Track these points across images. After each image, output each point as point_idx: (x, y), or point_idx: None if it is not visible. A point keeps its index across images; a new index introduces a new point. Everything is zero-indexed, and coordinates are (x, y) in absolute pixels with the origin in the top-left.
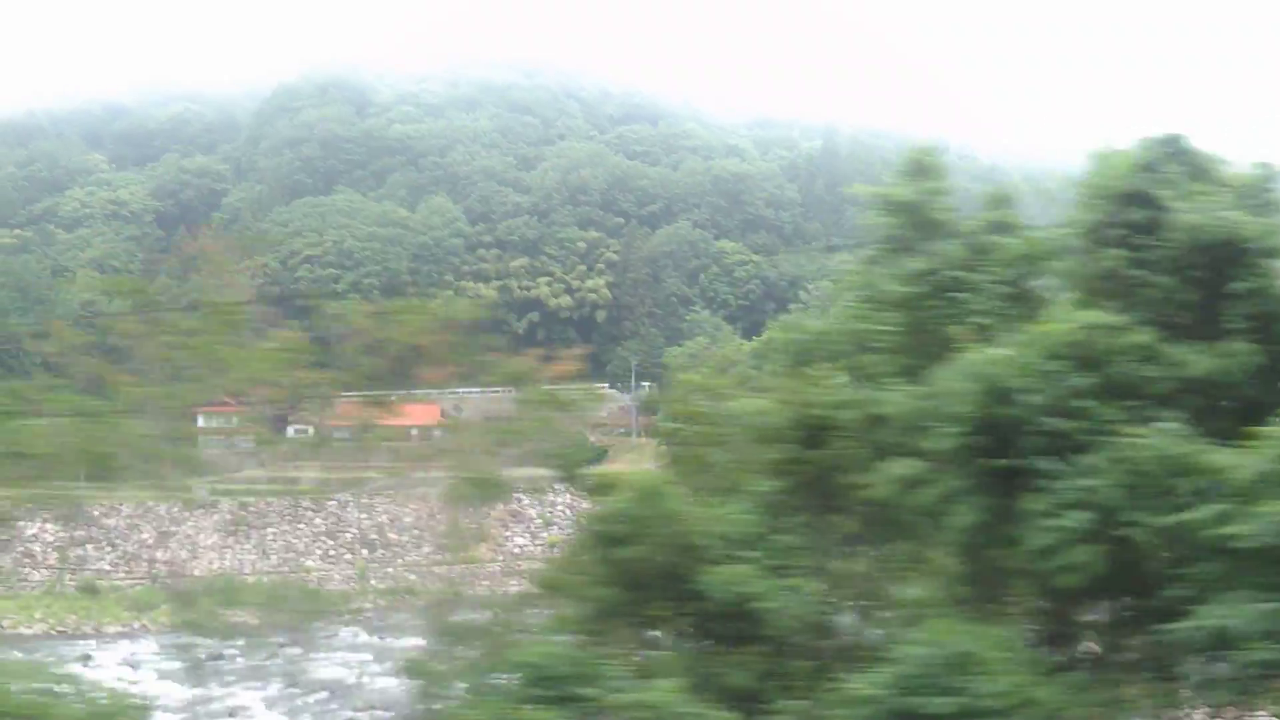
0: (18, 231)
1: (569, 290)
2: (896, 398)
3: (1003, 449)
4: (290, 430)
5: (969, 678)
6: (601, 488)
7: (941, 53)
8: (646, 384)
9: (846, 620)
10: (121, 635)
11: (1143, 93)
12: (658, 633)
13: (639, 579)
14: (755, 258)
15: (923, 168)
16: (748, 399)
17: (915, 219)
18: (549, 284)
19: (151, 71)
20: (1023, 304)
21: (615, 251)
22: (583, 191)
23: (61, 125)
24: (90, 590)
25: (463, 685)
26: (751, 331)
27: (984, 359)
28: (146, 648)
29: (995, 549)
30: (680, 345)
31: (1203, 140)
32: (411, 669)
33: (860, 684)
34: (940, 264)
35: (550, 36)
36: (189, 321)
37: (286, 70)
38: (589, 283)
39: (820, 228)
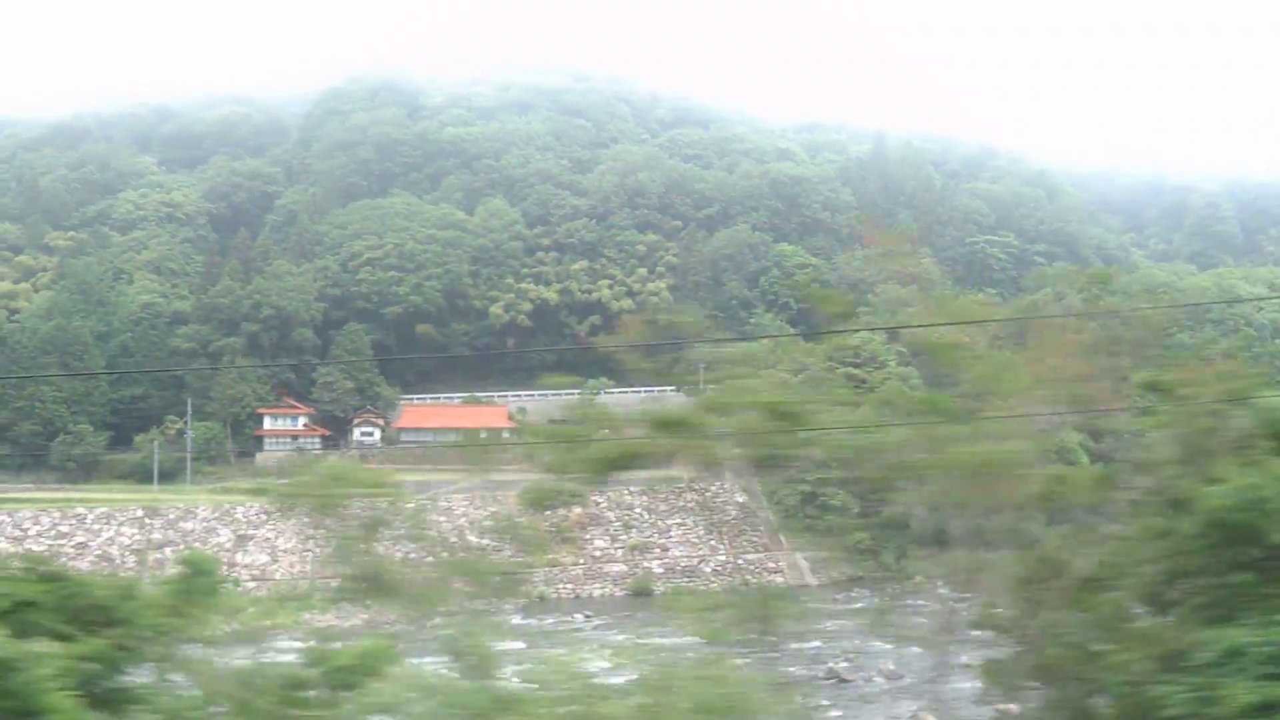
0: (72, 234)
1: (630, 293)
2: None
3: None
4: (357, 433)
5: None
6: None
7: (981, 57)
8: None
9: None
10: None
11: (1148, 93)
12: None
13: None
14: (814, 260)
15: None
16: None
17: None
18: (610, 287)
19: (197, 75)
20: None
21: (675, 254)
22: (640, 194)
23: (110, 128)
24: None
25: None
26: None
27: None
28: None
29: None
30: (736, 346)
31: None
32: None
33: None
34: None
35: (599, 41)
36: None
37: (334, 74)
38: (650, 285)
39: (875, 231)
